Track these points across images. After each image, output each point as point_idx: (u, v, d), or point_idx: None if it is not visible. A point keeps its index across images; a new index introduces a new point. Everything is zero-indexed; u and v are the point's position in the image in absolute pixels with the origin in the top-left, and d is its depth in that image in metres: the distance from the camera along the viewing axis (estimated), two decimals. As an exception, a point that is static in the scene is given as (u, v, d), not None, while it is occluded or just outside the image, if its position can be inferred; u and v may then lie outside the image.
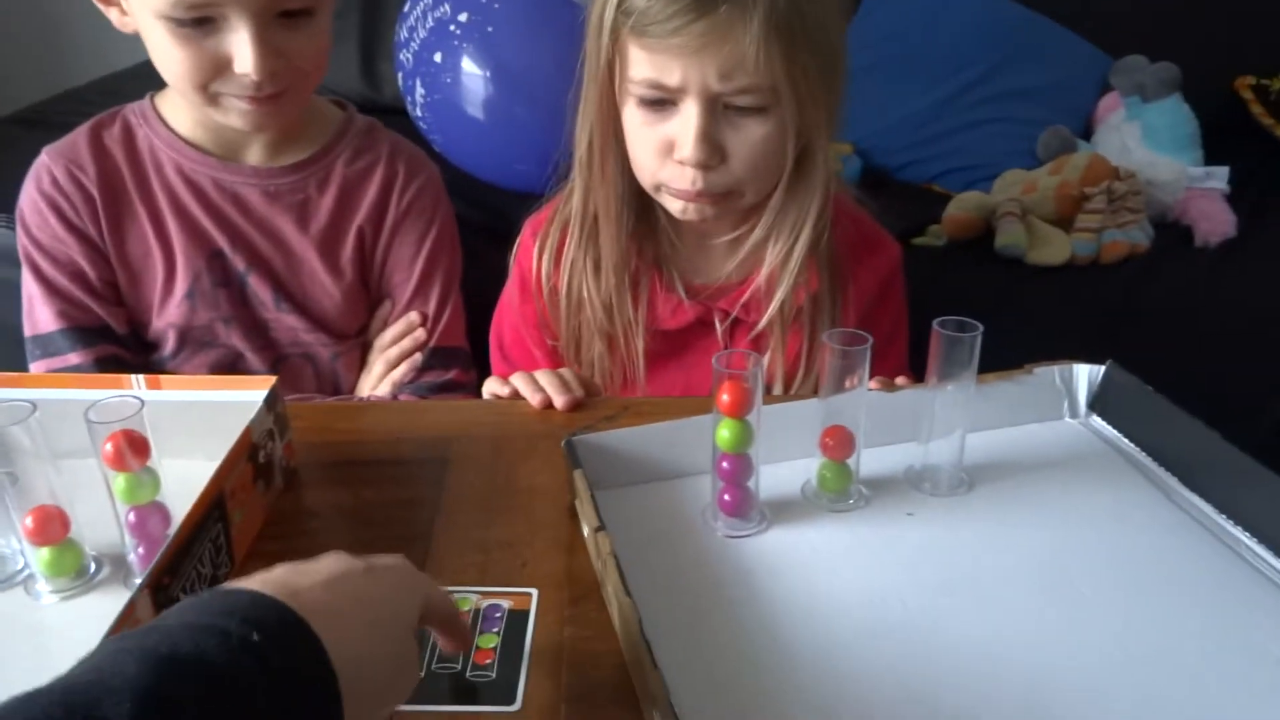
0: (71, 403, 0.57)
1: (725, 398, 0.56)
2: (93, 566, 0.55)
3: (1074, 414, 0.72)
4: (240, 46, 0.74)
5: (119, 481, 0.52)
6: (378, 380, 0.90)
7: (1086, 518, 0.61)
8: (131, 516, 0.53)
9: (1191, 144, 1.47)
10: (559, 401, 0.73)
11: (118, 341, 0.86)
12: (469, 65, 1.29)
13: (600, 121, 0.77)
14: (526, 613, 0.53)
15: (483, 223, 1.30)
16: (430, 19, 1.30)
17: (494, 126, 1.32)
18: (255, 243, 0.87)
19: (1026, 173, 1.43)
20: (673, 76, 0.70)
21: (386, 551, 0.57)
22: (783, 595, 0.54)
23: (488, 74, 1.29)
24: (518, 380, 0.76)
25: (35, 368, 0.84)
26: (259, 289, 0.87)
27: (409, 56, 1.35)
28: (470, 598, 0.54)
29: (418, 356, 0.89)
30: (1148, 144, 1.45)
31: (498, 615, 0.53)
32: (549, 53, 1.29)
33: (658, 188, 0.77)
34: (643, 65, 0.71)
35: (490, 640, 0.51)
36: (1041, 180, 1.38)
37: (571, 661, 0.50)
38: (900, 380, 0.73)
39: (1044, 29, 1.63)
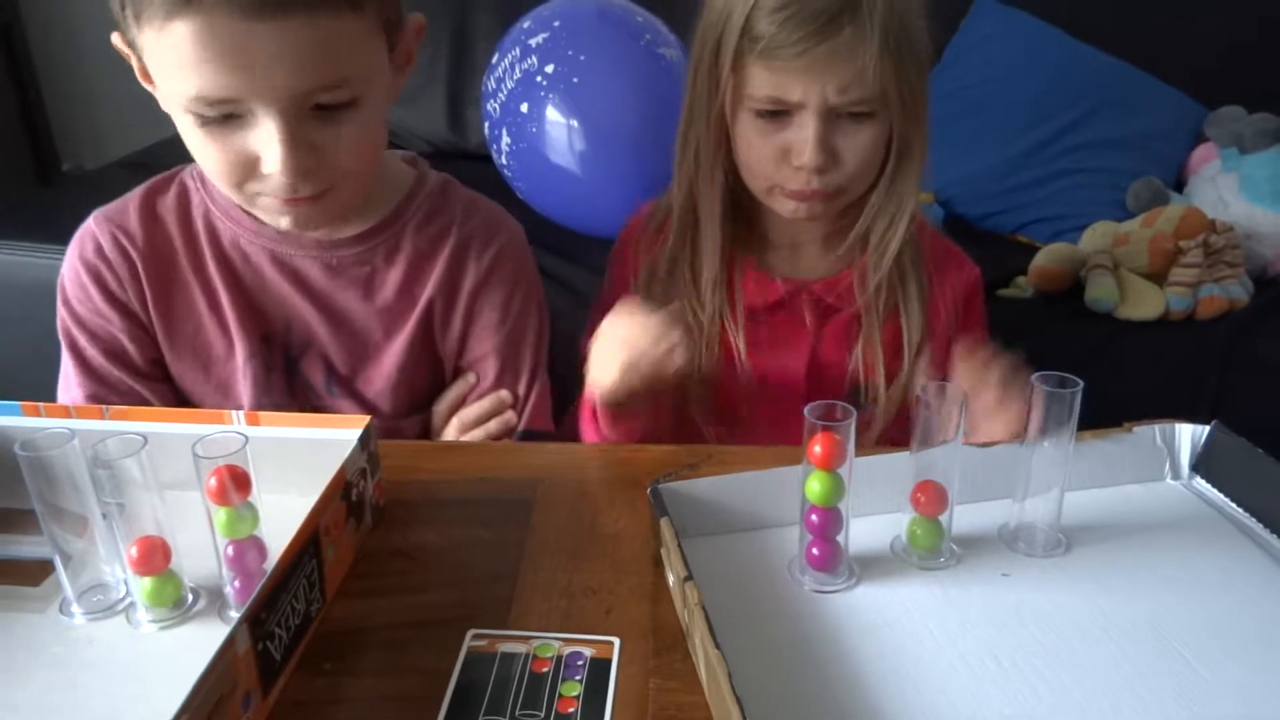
0: (174, 436, 0.59)
1: (817, 449, 0.55)
2: (190, 598, 0.57)
3: (1176, 475, 0.69)
4: (268, 145, 0.66)
5: (220, 515, 0.54)
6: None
7: (1191, 584, 0.58)
8: (230, 550, 0.54)
9: (1294, 196, 1.42)
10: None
11: None
12: (554, 115, 1.32)
13: (711, 135, 0.81)
14: (609, 661, 0.53)
15: (563, 270, 1.32)
16: (518, 70, 1.34)
17: (577, 174, 1.35)
18: (311, 323, 0.79)
19: (1117, 224, 1.40)
20: (794, 93, 0.75)
21: (475, 594, 0.58)
22: (871, 654, 0.53)
23: (572, 124, 1.32)
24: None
25: None
26: (310, 373, 0.81)
27: (496, 106, 1.39)
28: (552, 644, 0.54)
29: (506, 442, 0.82)
30: (1246, 196, 1.41)
31: (580, 663, 0.53)
32: (632, 104, 1.32)
33: (770, 190, 0.81)
34: (764, 84, 0.76)
35: (573, 689, 0.51)
36: (1134, 232, 1.34)
37: (657, 713, 0.49)
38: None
39: (1134, 79, 1.60)
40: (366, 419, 0.63)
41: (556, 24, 1.36)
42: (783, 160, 0.78)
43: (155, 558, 0.54)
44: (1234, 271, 1.30)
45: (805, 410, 0.56)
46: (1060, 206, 1.50)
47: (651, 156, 1.33)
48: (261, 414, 0.64)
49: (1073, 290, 1.34)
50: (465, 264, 0.82)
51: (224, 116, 0.65)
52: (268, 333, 0.79)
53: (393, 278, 0.80)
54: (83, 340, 0.78)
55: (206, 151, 0.68)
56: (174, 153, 1.50)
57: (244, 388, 0.79)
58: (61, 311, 0.79)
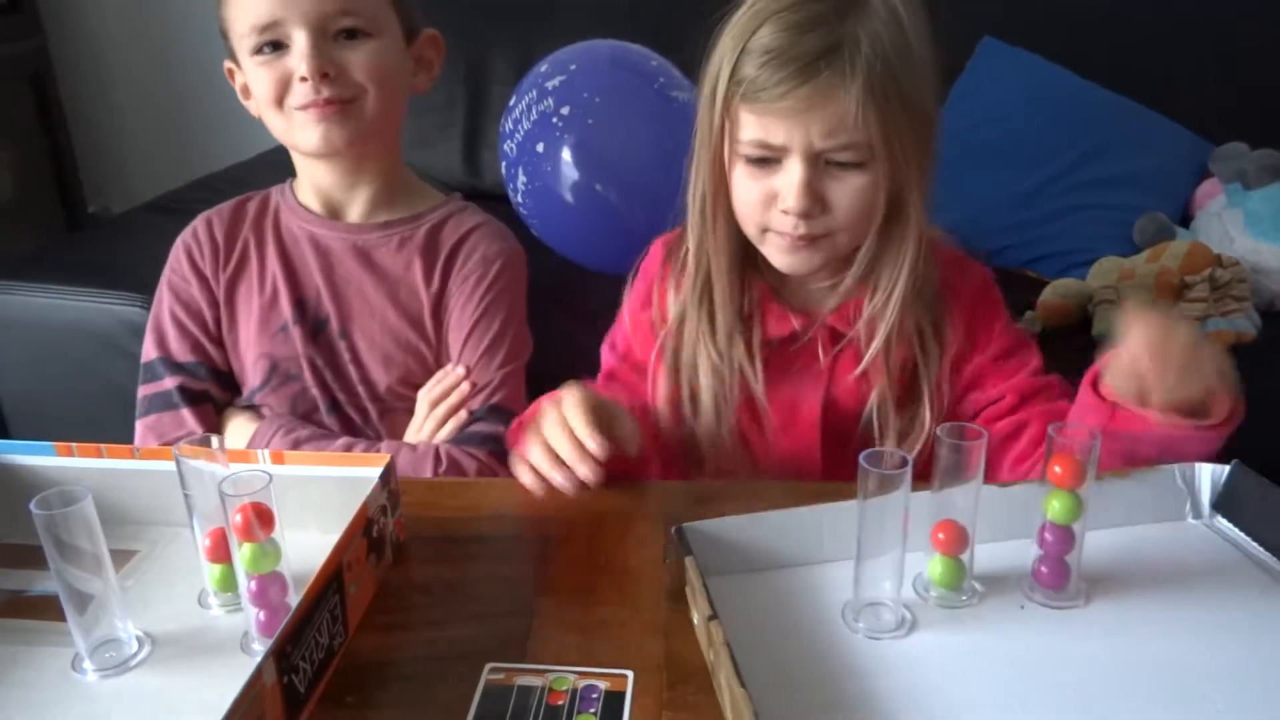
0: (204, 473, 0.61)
1: (1058, 469, 0.59)
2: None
3: (1197, 515, 0.70)
4: (298, 54, 0.87)
5: (245, 551, 0.55)
6: (428, 437, 0.94)
7: (1215, 626, 0.59)
8: (253, 585, 0.56)
9: (1300, 231, 1.43)
10: (565, 485, 0.71)
11: (211, 376, 0.97)
12: (569, 155, 1.35)
13: (712, 182, 0.83)
14: (623, 695, 0.54)
15: (574, 305, 1.34)
16: (535, 112, 1.37)
17: (590, 213, 1.37)
18: (334, 291, 0.97)
19: (1123, 259, 1.41)
20: (778, 136, 0.76)
21: (492, 629, 0.59)
22: (893, 693, 0.54)
23: (587, 164, 1.35)
24: (530, 466, 0.73)
25: (139, 392, 0.97)
26: (333, 336, 0.97)
27: (513, 146, 1.42)
28: (568, 677, 0.55)
29: (463, 414, 0.94)
30: (1251, 231, 1.42)
31: (594, 696, 0.54)
32: (645, 145, 1.35)
33: (764, 233, 0.82)
34: (751, 128, 0.77)
35: (588, 720, 0.52)
36: (1140, 267, 1.36)
37: (671, 746, 0.50)
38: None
39: (1140, 116, 1.62)
40: (386, 457, 0.65)
41: (573, 67, 1.39)
42: (771, 204, 0.79)
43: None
44: (1240, 305, 1.30)
45: (1050, 429, 0.59)
46: (1068, 242, 1.52)
47: (663, 196, 1.35)
48: (287, 453, 0.66)
49: (1080, 324, 1.35)
50: (457, 259, 0.98)
51: (273, 48, 0.88)
52: (302, 298, 0.97)
53: (400, 261, 0.98)
54: (168, 298, 0.98)
55: (261, 80, 0.90)
56: (199, 196, 1.55)
57: (278, 338, 0.96)
58: (164, 273, 1.00)
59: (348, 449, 0.90)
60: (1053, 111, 1.62)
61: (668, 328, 0.89)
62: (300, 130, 0.91)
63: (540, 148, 1.37)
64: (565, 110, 1.35)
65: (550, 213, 1.42)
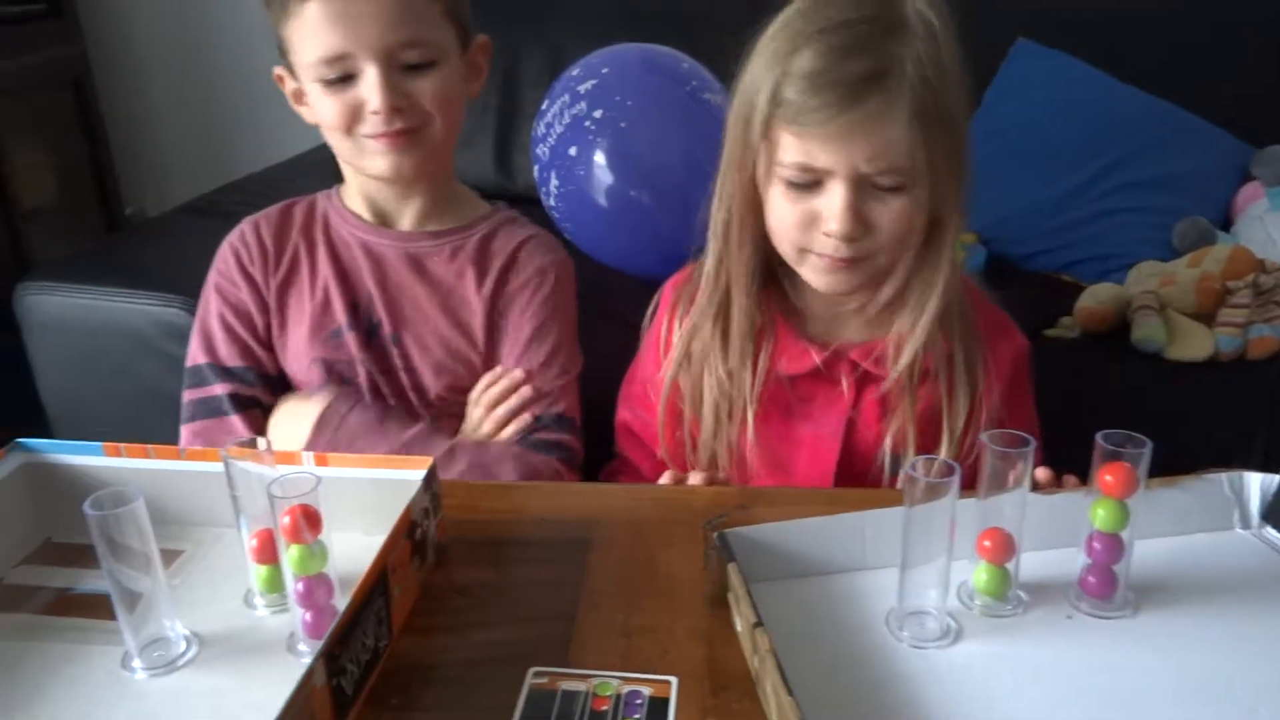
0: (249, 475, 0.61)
1: (1109, 478, 0.58)
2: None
3: (1245, 525, 0.69)
4: (369, 87, 0.87)
5: (292, 552, 0.56)
6: (487, 439, 0.94)
7: (1263, 635, 0.58)
8: (300, 586, 0.56)
9: (1345, 236, 1.41)
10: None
11: (260, 381, 0.96)
12: (601, 159, 1.35)
13: (740, 199, 0.82)
14: (667, 701, 0.54)
15: (607, 309, 1.34)
16: (567, 115, 1.38)
17: (623, 216, 1.37)
18: (387, 298, 0.97)
19: (1162, 264, 1.39)
20: (821, 160, 0.75)
21: (535, 632, 0.59)
22: (941, 701, 0.53)
23: (619, 167, 1.35)
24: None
25: (185, 396, 0.96)
26: (385, 341, 0.97)
27: (545, 150, 1.42)
28: (611, 683, 0.55)
29: (526, 417, 0.94)
30: (1295, 236, 1.40)
31: (639, 702, 0.54)
32: (677, 148, 1.34)
33: (802, 256, 0.81)
34: (793, 151, 0.76)
35: (634, 727, 0.52)
36: (1181, 273, 1.34)
37: (717, 754, 0.50)
38: (1070, 480, 0.71)
39: (1179, 118, 1.60)
40: (429, 460, 0.65)
41: (605, 71, 1.39)
42: (812, 225, 0.78)
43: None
44: (1285, 311, 1.29)
45: (1098, 437, 0.59)
46: (1105, 246, 1.50)
47: (696, 200, 1.35)
48: (330, 455, 0.67)
49: (1119, 330, 1.33)
50: (511, 271, 0.99)
51: (341, 78, 0.87)
52: (355, 302, 0.97)
53: (452, 270, 0.98)
54: (215, 302, 0.98)
55: (329, 107, 0.89)
56: (232, 199, 1.57)
57: (331, 343, 0.97)
58: (208, 281, 0.99)
59: (426, 437, 0.91)
60: (1088, 113, 1.61)
61: (677, 342, 0.88)
62: (369, 157, 0.92)
63: (573, 151, 1.37)
64: (598, 114, 1.35)
65: (584, 217, 1.42)
